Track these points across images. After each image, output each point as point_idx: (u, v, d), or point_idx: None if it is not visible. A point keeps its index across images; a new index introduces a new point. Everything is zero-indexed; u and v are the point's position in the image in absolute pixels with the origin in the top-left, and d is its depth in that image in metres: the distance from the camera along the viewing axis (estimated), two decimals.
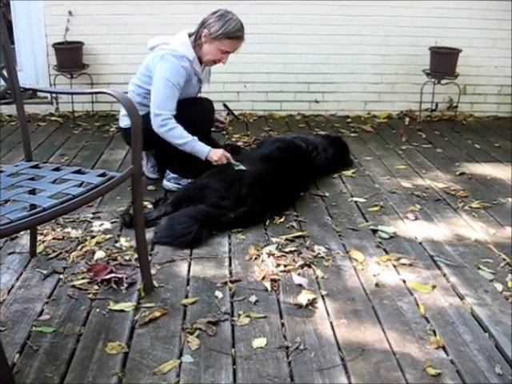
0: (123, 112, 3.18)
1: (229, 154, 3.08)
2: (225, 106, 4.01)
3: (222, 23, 3.00)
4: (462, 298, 2.20)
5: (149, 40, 3.18)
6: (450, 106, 4.99)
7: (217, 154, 3.04)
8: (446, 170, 3.67)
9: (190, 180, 3.14)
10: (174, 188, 3.20)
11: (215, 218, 2.70)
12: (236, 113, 4.80)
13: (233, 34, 3.01)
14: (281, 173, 2.97)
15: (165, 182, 3.25)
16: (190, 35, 3.12)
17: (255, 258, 2.48)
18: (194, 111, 3.11)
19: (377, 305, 2.15)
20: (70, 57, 4.56)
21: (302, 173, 3.19)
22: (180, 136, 3.00)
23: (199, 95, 3.35)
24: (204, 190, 2.86)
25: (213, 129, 3.49)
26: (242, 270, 2.39)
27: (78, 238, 2.64)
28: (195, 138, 3.02)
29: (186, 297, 2.18)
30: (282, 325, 2.01)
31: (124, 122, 3.17)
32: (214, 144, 3.29)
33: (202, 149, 3.03)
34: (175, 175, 3.22)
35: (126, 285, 2.23)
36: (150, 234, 2.62)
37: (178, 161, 3.13)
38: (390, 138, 4.41)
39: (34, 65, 4.79)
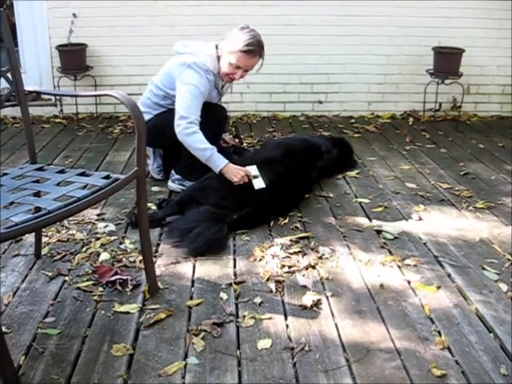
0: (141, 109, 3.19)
1: (249, 171, 2.90)
2: (235, 127, 4.02)
3: (238, 36, 3.01)
4: (466, 298, 2.20)
5: (177, 42, 3.21)
6: (453, 106, 4.98)
7: (238, 174, 2.86)
8: (450, 170, 3.67)
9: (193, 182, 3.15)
10: (178, 189, 3.20)
11: (221, 219, 2.70)
12: (239, 114, 4.83)
13: (242, 48, 2.98)
14: (285, 175, 2.97)
15: (169, 183, 3.27)
16: (216, 47, 3.13)
17: (260, 260, 2.48)
18: (207, 116, 3.12)
19: (381, 305, 2.15)
20: (73, 59, 4.57)
21: (306, 174, 3.19)
22: (201, 141, 2.93)
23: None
24: (206, 190, 2.87)
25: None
26: (246, 272, 2.39)
27: (82, 239, 2.64)
28: (215, 148, 2.95)
29: (191, 298, 2.19)
30: (287, 326, 2.01)
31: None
32: (220, 151, 3.32)
33: (219, 161, 2.90)
34: (179, 176, 3.23)
35: (130, 286, 2.24)
36: (154, 235, 2.63)
37: (185, 162, 3.14)
38: (393, 138, 4.41)
39: (37, 67, 4.80)
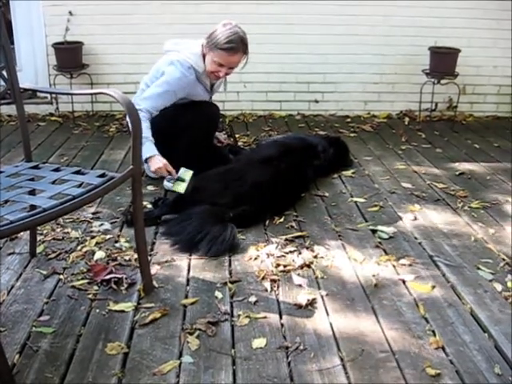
0: None
1: (172, 169, 2.93)
2: (230, 126, 4.02)
3: (218, 33, 2.99)
4: (461, 298, 2.21)
5: (166, 41, 3.21)
6: (449, 106, 4.99)
7: (156, 165, 2.92)
8: (446, 170, 3.67)
9: None
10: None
11: (219, 216, 2.70)
12: (236, 113, 4.83)
13: (222, 45, 2.98)
14: (281, 174, 2.97)
15: (165, 182, 3.26)
16: (202, 45, 3.12)
17: (255, 259, 2.48)
18: (196, 113, 3.12)
19: (376, 305, 2.15)
20: (69, 57, 4.56)
21: (303, 173, 3.19)
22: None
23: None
24: (201, 189, 2.87)
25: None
26: (241, 271, 2.39)
27: (77, 238, 2.64)
28: (151, 139, 2.96)
29: (186, 297, 2.18)
30: (282, 325, 2.02)
31: None
32: (216, 150, 3.31)
33: (147, 150, 2.91)
34: None
35: (125, 285, 2.23)
36: (149, 234, 2.63)
37: (180, 161, 3.14)
38: (389, 137, 4.41)
39: (33, 65, 4.79)
